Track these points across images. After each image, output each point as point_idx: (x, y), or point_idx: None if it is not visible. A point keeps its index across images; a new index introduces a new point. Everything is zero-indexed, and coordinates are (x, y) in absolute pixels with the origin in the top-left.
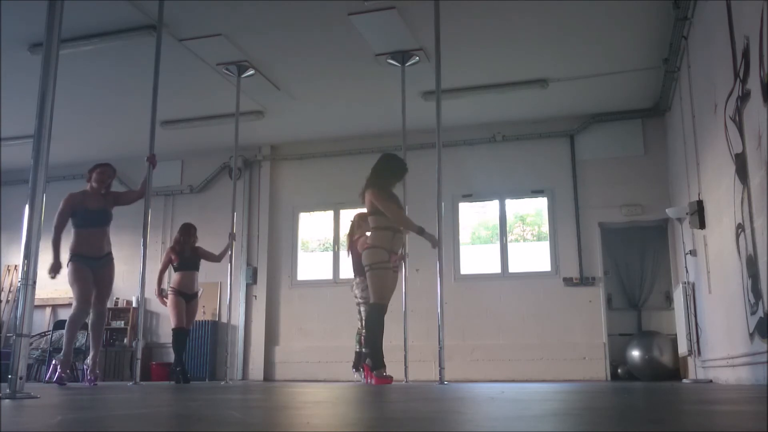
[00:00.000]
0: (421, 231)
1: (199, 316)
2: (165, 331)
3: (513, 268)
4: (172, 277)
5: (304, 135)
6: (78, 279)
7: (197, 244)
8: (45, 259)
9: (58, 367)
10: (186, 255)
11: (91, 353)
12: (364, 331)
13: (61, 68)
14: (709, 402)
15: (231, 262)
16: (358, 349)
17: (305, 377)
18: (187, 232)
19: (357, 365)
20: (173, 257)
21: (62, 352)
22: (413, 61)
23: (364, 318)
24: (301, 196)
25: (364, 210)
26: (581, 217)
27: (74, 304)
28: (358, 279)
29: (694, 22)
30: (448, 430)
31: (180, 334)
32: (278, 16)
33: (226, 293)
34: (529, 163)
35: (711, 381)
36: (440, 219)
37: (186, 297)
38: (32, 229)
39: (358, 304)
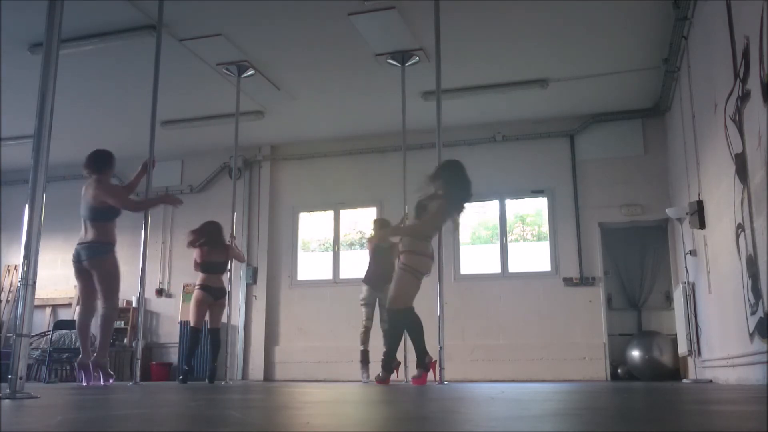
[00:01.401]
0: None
1: None
2: (165, 331)
3: (513, 268)
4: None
5: (304, 135)
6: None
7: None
8: (45, 259)
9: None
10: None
11: (99, 352)
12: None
13: (61, 68)
14: (709, 402)
15: (231, 261)
16: (363, 348)
17: (305, 377)
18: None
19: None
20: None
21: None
22: (413, 61)
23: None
24: (301, 196)
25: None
26: (581, 217)
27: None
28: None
29: (694, 22)
30: (448, 430)
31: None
32: (278, 16)
33: None
34: (529, 163)
35: (711, 381)
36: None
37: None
38: (32, 229)
39: (364, 305)
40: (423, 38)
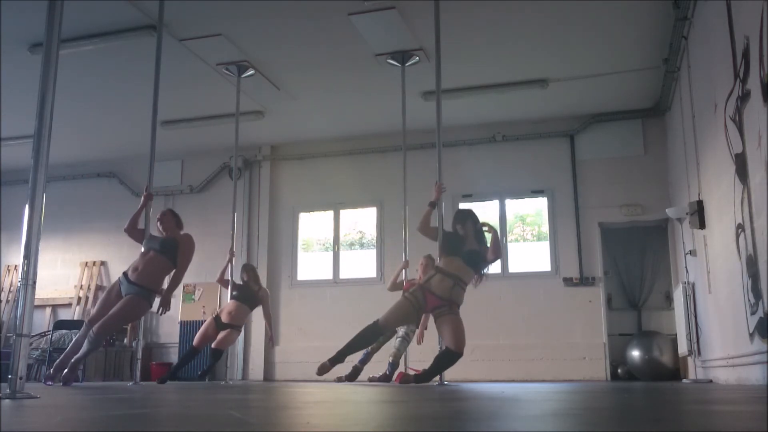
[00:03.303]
0: (432, 205)
1: (199, 316)
2: (165, 331)
3: (513, 268)
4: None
5: (304, 135)
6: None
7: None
8: (45, 259)
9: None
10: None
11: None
12: (391, 359)
13: (61, 68)
14: (709, 402)
15: (231, 262)
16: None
17: (305, 377)
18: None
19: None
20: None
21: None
22: (413, 61)
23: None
24: (301, 196)
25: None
26: (581, 217)
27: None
28: None
29: (694, 22)
30: (449, 430)
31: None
32: (278, 16)
33: (226, 293)
34: (529, 163)
35: (711, 381)
36: (441, 219)
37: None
38: (32, 229)
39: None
40: (423, 38)
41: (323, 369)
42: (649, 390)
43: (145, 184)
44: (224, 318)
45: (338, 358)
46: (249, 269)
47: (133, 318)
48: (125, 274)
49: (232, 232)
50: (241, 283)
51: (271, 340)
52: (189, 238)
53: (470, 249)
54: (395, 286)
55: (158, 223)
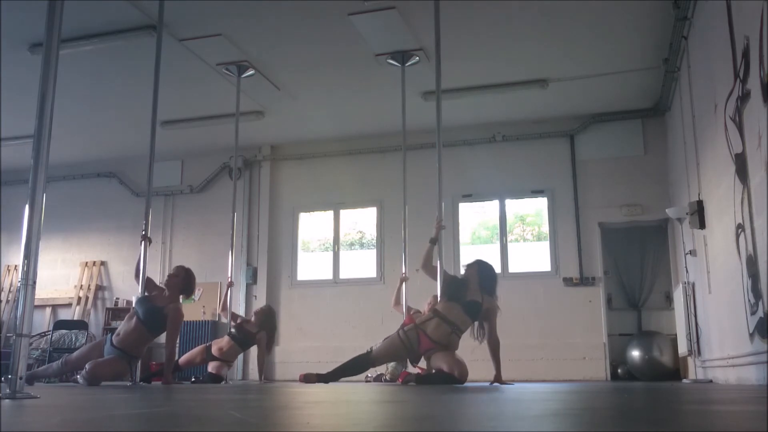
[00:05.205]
0: (433, 242)
1: (199, 316)
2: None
3: (513, 268)
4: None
5: (304, 135)
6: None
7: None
8: (45, 259)
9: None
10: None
11: None
12: (388, 377)
13: (61, 68)
14: (709, 402)
15: (231, 261)
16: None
17: None
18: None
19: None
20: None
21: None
22: (413, 61)
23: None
24: (301, 196)
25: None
26: (581, 217)
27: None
28: None
29: (694, 22)
30: (449, 430)
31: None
32: (278, 16)
33: (227, 293)
34: (529, 163)
35: (711, 381)
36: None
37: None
38: (32, 229)
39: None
40: (423, 38)
41: (309, 379)
42: (649, 390)
43: (144, 186)
44: (214, 351)
45: (328, 378)
46: (261, 314)
47: (113, 377)
48: (111, 335)
49: (232, 223)
50: (245, 322)
51: (264, 380)
52: (178, 312)
53: (473, 300)
54: (399, 306)
55: (167, 280)
